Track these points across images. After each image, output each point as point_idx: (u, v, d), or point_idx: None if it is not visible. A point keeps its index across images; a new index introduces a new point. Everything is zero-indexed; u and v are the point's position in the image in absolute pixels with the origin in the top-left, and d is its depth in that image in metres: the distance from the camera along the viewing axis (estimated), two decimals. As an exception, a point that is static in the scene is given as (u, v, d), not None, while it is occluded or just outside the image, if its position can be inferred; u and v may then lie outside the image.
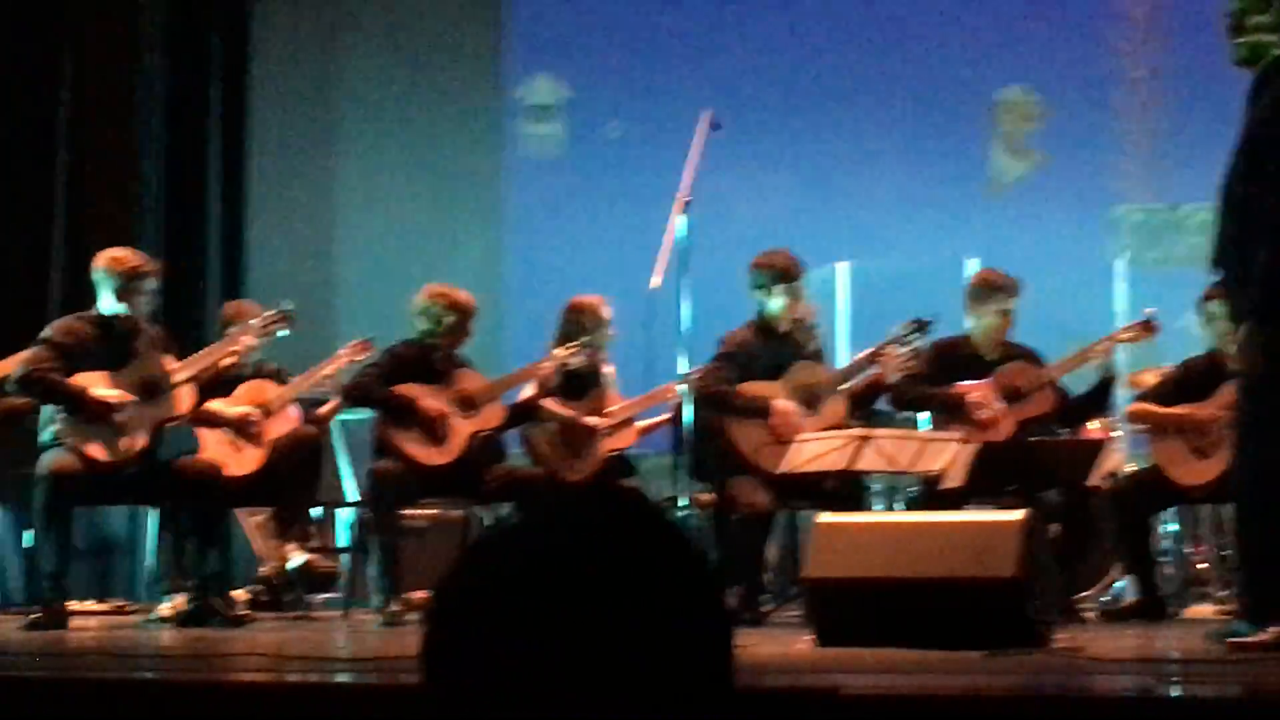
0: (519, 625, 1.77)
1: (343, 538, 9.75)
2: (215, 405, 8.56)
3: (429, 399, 8.53)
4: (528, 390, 8.84)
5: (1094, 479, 8.31)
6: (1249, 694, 4.57)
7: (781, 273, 8.55)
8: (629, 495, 8.65)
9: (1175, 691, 4.77)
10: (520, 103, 12.47)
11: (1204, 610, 8.75)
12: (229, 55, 11.77)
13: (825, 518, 6.69)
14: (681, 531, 1.78)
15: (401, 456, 8.47)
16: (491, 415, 8.64)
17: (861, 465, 7.82)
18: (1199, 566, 9.52)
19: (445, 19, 12.48)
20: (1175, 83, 11.31)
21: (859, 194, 12.02)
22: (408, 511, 8.78)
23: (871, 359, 8.60)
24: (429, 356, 8.68)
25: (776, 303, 8.56)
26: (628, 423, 9.00)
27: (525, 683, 1.75)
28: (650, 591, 1.81)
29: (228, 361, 8.42)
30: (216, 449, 8.52)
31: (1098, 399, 8.82)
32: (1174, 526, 8.95)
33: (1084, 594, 8.73)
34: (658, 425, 9.16)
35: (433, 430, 8.50)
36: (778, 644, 6.58)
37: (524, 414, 8.82)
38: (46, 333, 8.15)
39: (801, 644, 6.39)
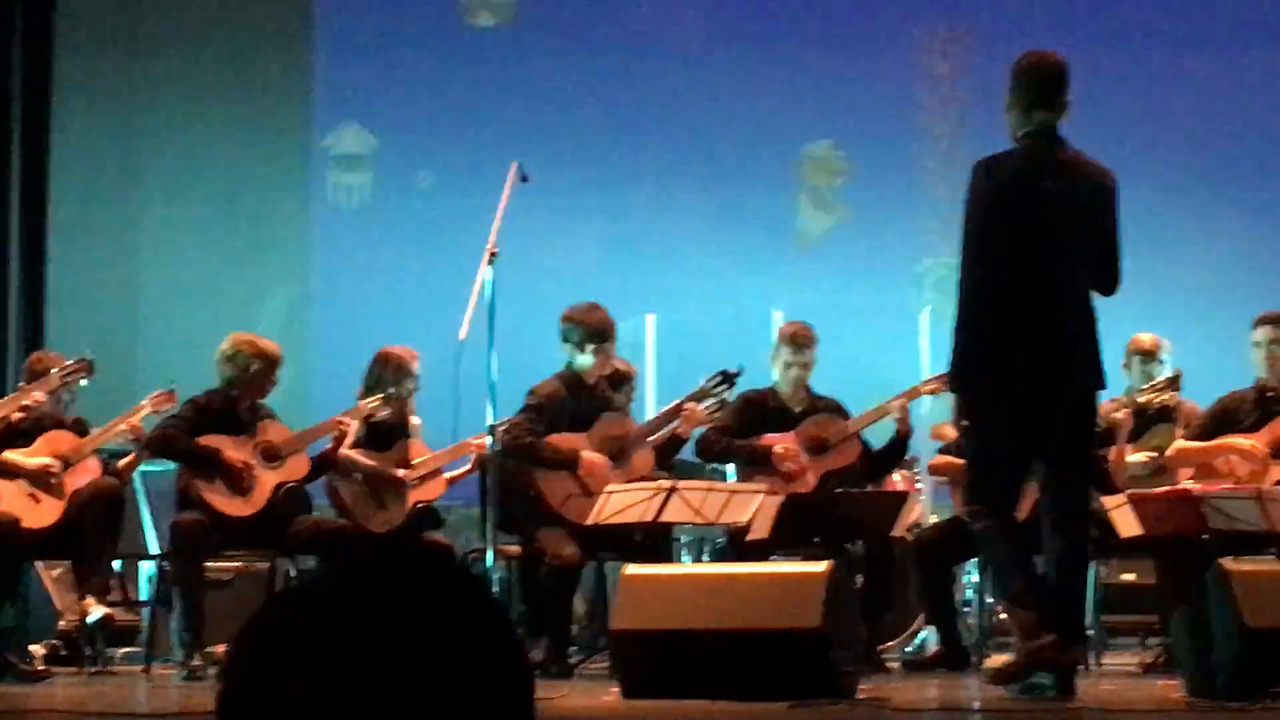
0: (318, 677, 1.75)
1: (144, 590, 9.59)
2: (13, 456, 8.40)
3: (233, 450, 8.43)
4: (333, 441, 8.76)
5: (897, 530, 8.39)
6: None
7: (594, 331, 8.53)
8: (432, 548, 8.60)
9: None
10: (328, 152, 12.40)
11: (1005, 659, 8.84)
12: (29, 101, 11.59)
13: (632, 569, 6.69)
14: (482, 584, 1.77)
15: (205, 508, 8.36)
16: (296, 466, 8.55)
17: (668, 516, 7.83)
18: (1000, 616, 9.64)
19: (252, 66, 12.38)
20: (977, 139, 11.48)
21: (666, 246, 12.09)
22: (211, 564, 8.65)
23: (677, 411, 8.63)
24: (233, 407, 8.58)
25: (587, 360, 8.56)
26: (435, 474, 8.94)
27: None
28: (451, 644, 1.80)
29: (17, 416, 8.29)
30: (14, 501, 8.35)
31: (895, 452, 8.94)
32: (975, 577, 9.05)
33: (888, 644, 8.81)
34: (464, 476, 9.12)
35: (237, 481, 8.41)
36: (585, 696, 6.57)
37: (329, 465, 8.74)
38: None
39: (608, 696, 6.39)
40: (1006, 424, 6.41)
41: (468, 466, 8.99)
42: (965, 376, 6.52)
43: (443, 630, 1.80)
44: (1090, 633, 8.44)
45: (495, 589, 7.90)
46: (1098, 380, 6.50)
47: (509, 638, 1.84)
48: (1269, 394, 8.40)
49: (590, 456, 8.39)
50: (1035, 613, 6.32)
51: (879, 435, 8.94)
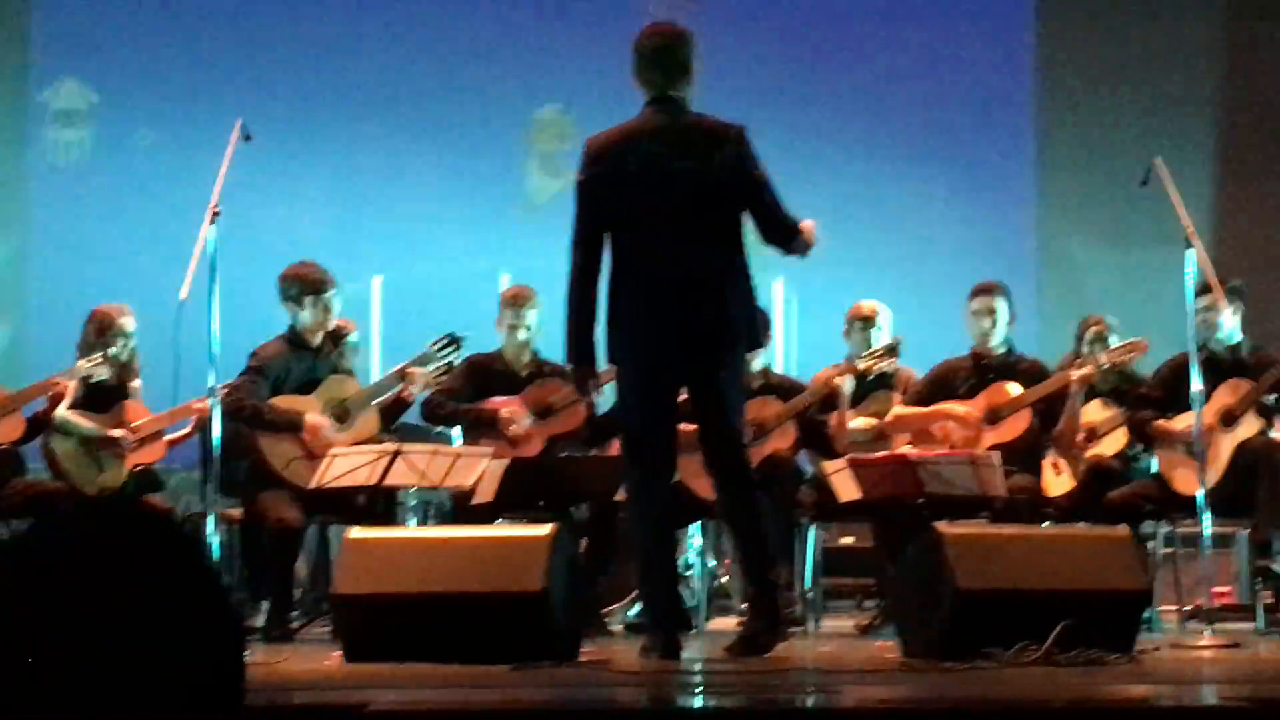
0: (21, 639, 1.71)
1: None
2: None
3: (-56, 411, 8.23)
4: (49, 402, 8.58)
5: (621, 494, 8.43)
6: (758, 704, 4.71)
7: (311, 285, 8.48)
8: (151, 511, 8.46)
9: (696, 702, 4.88)
10: (46, 107, 12.13)
11: (726, 622, 8.96)
12: None
13: (355, 533, 6.66)
14: (198, 547, 1.74)
15: (-86, 471, 8.16)
16: (10, 428, 8.37)
17: (393, 480, 7.81)
18: (722, 580, 9.76)
19: (-33, 17, 12.06)
20: (706, 105, 11.57)
21: (394, 207, 12.03)
22: (-80, 528, 8.45)
23: (403, 374, 8.59)
24: (-56, 367, 8.37)
25: (307, 315, 8.49)
26: (155, 436, 8.80)
27: (26, 697, 1.70)
28: (163, 607, 1.77)
29: None
30: None
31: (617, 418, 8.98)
32: (698, 540, 9.14)
33: (611, 607, 8.86)
34: (185, 438, 8.98)
35: (-53, 444, 8.21)
36: (306, 660, 6.53)
37: (44, 426, 8.56)
38: None
39: (330, 660, 6.35)
40: (643, 394, 6.51)
41: (188, 429, 8.86)
42: (583, 353, 6.56)
43: (155, 593, 1.77)
44: (809, 595, 8.58)
45: (216, 553, 7.79)
46: (742, 342, 6.56)
47: (222, 601, 1.82)
48: (984, 362, 8.61)
49: (314, 419, 8.32)
50: (657, 616, 6.52)
51: (603, 400, 8.98)
